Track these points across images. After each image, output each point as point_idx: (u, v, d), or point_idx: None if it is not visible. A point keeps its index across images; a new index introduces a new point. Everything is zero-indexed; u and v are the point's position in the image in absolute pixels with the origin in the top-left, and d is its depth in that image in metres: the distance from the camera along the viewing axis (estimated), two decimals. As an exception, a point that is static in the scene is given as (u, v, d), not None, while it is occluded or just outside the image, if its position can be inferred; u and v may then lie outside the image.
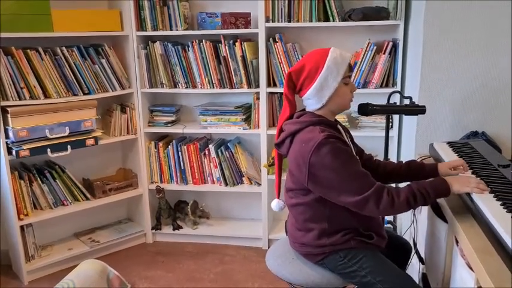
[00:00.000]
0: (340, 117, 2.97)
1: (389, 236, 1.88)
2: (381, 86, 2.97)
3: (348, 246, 1.70)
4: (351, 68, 1.74)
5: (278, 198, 1.96)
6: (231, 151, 3.25)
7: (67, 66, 2.87)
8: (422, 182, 1.60)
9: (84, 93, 2.96)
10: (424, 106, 2.14)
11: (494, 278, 1.12)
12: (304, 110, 1.80)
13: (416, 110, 2.16)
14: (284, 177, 1.88)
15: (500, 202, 1.41)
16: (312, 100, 1.72)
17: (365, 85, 2.97)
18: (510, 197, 1.44)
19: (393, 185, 2.49)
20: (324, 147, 1.57)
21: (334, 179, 1.59)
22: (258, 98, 3.11)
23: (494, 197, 1.47)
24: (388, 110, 2.24)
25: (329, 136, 1.60)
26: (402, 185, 1.74)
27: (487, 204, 1.41)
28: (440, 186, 1.57)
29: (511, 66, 2.36)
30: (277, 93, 3.13)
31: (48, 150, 2.82)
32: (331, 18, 2.90)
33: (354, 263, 1.69)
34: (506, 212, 1.35)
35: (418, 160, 2.10)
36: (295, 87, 1.75)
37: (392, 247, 1.87)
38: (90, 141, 2.98)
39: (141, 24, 3.12)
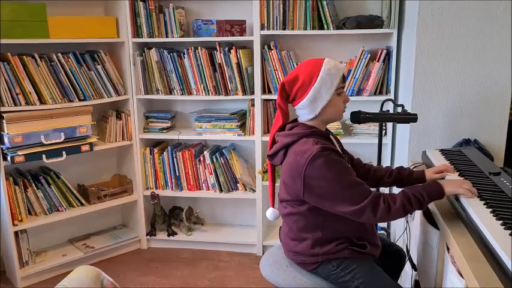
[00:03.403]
0: (334, 125, 3.00)
1: (383, 243, 1.89)
2: (375, 94, 3.00)
3: (341, 255, 1.70)
4: (344, 79, 1.75)
5: (273, 206, 1.95)
6: (226, 157, 3.26)
7: (63, 72, 2.88)
8: (416, 187, 1.62)
9: (80, 100, 2.97)
10: (415, 114, 2.16)
11: (483, 285, 1.13)
12: (296, 120, 1.81)
13: (408, 118, 2.18)
14: (277, 183, 1.89)
15: (491, 210, 1.43)
16: (304, 110, 1.73)
17: (359, 93, 2.99)
18: (500, 205, 1.45)
19: (387, 190, 2.52)
20: (319, 159, 1.58)
21: (330, 189, 1.60)
22: (252, 105, 3.13)
23: (484, 204, 1.48)
24: (380, 118, 2.25)
25: (323, 148, 1.60)
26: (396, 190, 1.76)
27: (478, 211, 1.43)
28: (434, 189, 1.59)
29: (509, 74, 2.39)
30: (272, 100, 3.15)
31: (43, 156, 2.83)
32: (325, 26, 2.93)
33: (346, 273, 1.70)
34: (496, 219, 1.36)
35: (411, 167, 2.12)
36: (288, 97, 1.75)
37: (385, 254, 1.88)
38: (85, 147, 2.99)
39: (137, 31, 3.14)
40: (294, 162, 1.65)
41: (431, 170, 1.88)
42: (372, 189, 1.66)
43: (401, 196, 1.58)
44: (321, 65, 1.69)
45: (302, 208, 1.71)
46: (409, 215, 1.63)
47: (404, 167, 1.98)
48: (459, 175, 1.79)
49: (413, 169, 1.96)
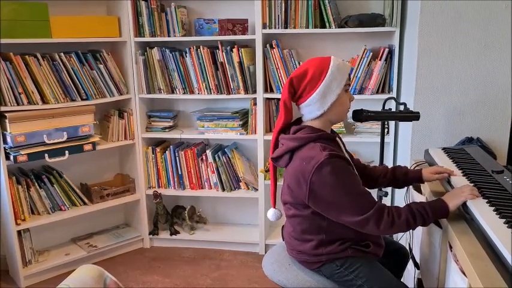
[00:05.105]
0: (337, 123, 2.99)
1: (386, 242, 1.88)
2: (377, 92, 2.99)
3: (344, 255, 1.70)
4: (349, 77, 1.76)
5: (274, 207, 1.94)
6: (228, 156, 3.26)
7: (65, 71, 2.89)
8: (422, 203, 1.60)
9: (82, 99, 2.97)
10: (418, 112, 2.16)
11: (486, 283, 1.13)
12: (299, 120, 1.78)
13: (410, 116, 2.18)
14: (279, 182, 1.88)
15: (493, 208, 1.42)
16: (312, 107, 1.69)
17: (361, 91, 2.99)
18: (503, 203, 1.45)
19: (388, 192, 2.50)
20: (326, 166, 1.56)
21: (335, 198, 1.58)
22: (255, 104, 3.13)
23: (487, 203, 1.48)
24: (382, 117, 2.25)
25: (331, 155, 1.58)
26: (398, 197, 1.75)
27: (481, 210, 1.43)
28: (439, 207, 1.56)
29: (510, 72, 2.38)
30: (274, 99, 3.15)
31: (46, 155, 2.83)
32: (327, 24, 2.93)
33: (350, 272, 1.69)
34: (499, 218, 1.36)
35: (413, 166, 2.12)
36: (295, 93, 1.71)
37: (388, 253, 1.87)
38: (87, 147, 2.99)
39: (139, 31, 3.14)
40: (300, 168, 1.62)
41: (429, 169, 1.86)
42: (373, 191, 1.64)
43: (406, 211, 1.57)
44: (329, 61, 1.69)
45: (306, 211, 1.70)
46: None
47: (401, 165, 1.97)
48: (462, 174, 1.79)
49: (410, 168, 1.96)
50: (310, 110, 1.71)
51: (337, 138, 1.80)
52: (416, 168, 1.93)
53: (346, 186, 1.59)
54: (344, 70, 1.70)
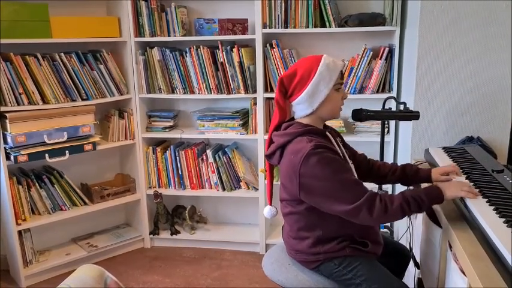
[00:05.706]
0: (337, 122, 2.99)
1: (387, 242, 1.88)
2: (377, 92, 2.99)
3: (342, 254, 1.70)
4: (342, 75, 1.75)
5: (270, 204, 1.95)
6: (228, 156, 3.26)
7: (65, 72, 2.89)
8: (416, 189, 1.61)
9: (83, 99, 2.97)
10: (417, 112, 2.16)
11: (485, 283, 1.13)
12: (292, 119, 1.81)
13: (410, 115, 2.18)
14: (276, 181, 1.89)
15: (493, 207, 1.43)
16: (302, 105, 1.72)
17: (361, 91, 2.99)
18: (503, 203, 1.45)
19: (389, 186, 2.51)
20: (313, 157, 1.57)
21: (325, 188, 1.59)
22: (255, 104, 3.13)
23: (487, 202, 1.48)
24: (382, 116, 2.25)
25: (317, 146, 1.60)
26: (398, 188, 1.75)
27: (480, 209, 1.43)
28: (433, 193, 1.57)
29: (510, 71, 2.38)
30: (274, 98, 3.14)
31: (46, 155, 2.83)
32: (327, 24, 2.93)
33: (348, 271, 1.69)
34: (499, 217, 1.36)
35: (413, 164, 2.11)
36: (287, 92, 1.75)
37: (390, 253, 1.88)
38: (88, 147, 3.00)
39: (139, 31, 3.14)
40: (289, 162, 1.64)
41: (438, 170, 1.84)
42: (375, 186, 1.64)
43: (400, 197, 1.56)
44: (319, 60, 1.70)
45: (301, 208, 1.71)
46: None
47: (411, 163, 1.96)
48: (463, 173, 1.78)
49: (420, 167, 1.95)
50: (301, 108, 1.74)
51: (328, 133, 1.78)
52: (425, 168, 1.91)
53: (335, 175, 1.59)
54: (334, 69, 1.70)
